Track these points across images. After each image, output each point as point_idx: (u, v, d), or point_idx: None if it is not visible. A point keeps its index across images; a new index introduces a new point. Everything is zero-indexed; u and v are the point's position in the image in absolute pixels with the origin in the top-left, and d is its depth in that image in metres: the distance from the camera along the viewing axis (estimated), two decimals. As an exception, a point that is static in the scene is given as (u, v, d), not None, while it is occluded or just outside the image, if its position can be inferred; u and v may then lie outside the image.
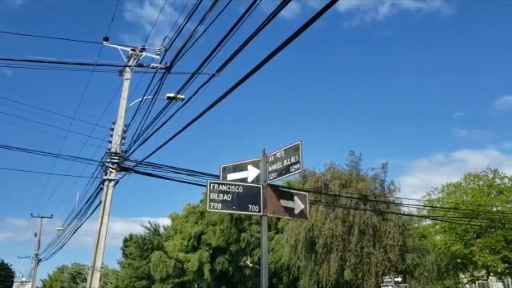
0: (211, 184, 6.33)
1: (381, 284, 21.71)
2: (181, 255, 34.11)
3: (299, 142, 6.41)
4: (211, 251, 33.12)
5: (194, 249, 33.87)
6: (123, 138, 15.68)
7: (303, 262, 24.22)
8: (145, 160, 13.80)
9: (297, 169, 6.43)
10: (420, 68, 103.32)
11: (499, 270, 27.34)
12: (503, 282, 40.74)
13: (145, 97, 13.86)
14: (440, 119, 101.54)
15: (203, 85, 8.89)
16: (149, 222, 50.59)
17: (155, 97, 13.05)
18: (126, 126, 15.93)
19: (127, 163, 14.89)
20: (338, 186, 23.67)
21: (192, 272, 33.94)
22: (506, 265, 26.58)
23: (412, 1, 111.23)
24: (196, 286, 38.02)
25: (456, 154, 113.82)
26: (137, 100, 15.58)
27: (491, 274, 30.30)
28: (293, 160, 6.43)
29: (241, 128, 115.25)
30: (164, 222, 67.56)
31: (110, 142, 15.69)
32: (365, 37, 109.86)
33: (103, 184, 15.09)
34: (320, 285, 24.62)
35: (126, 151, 15.06)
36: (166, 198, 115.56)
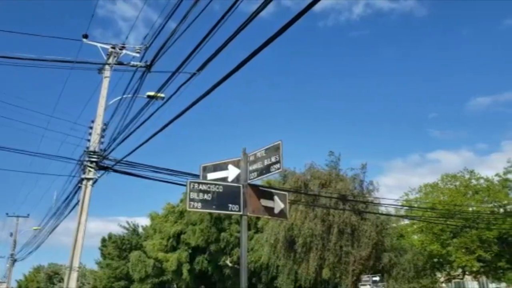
0: (191, 184, 6.31)
1: (359, 283, 21.96)
2: (160, 255, 33.88)
3: (280, 142, 6.44)
4: (190, 251, 32.98)
5: (174, 248, 33.68)
6: (102, 136, 15.53)
7: (282, 261, 24.33)
8: (124, 159, 13.69)
9: (278, 169, 6.45)
10: (395, 68, 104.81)
11: (474, 269, 27.90)
12: (478, 281, 41.59)
13: (124, 96, 13.75)
14: (415, 120, 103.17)
15: (183, 84, 8.88)
16: (127, 222, 50.29)
17: (135, 95, 12.96)
18: (105, 124, 15.77)
19: (106, 162, 14.75)
20: (318, 186, 23.84)
21: (171, 272, 33.76)
22: (481, 264, 27.13)
23: (386, 1, 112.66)
24: (175, 286, 37.81)
25: (431, 155, 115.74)
26: (116, 99, 15.45)
27: (467, 273, 30.90)
28: (273, 159, 6.46)
29: (222, 128, 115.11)
30: (143, 221, 67.15)
31: (89, 140, 15.53)
32: (340, 36, 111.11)
33: (81, 183, 14.92)
34: (298, 284, 24.78)
35: (105, 150, 14.91)
36: (145, 198, 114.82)
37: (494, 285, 41.73)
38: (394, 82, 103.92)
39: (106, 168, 14.77)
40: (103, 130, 15.66)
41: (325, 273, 22.33)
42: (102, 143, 15.41)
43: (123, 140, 13.26)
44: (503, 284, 32.83)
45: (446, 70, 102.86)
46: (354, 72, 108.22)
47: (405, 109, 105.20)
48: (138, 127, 12.10)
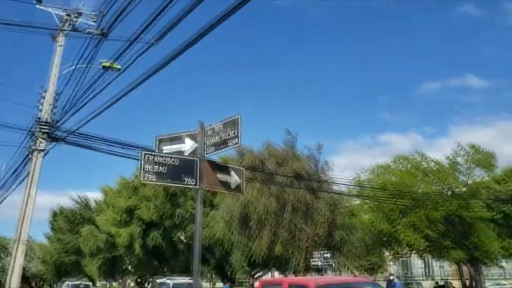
0: (146, 155, 6.16)
1: (310, 259, 22.54)
2: (113, 230, 33.37)
3: (238, 116, 6.35)
4: (143, 226, 32.67)
5: (126, 223, 33.24)
6: (55, 106, 14.95)
7: (236, 237, 24.55)
8: (77, 131, 13.28)
9: (235, 144, 6.39)
10: (351, 52, 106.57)
11: (420, 248, 29.14)
12: (423, 259, 43.58)
13: (78, 65, 13.23)
14: (366, 102, 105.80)
15: (141, 54, 8.63)
16: (79, 196, 49.22)
17: (90, 65, 12.51)
18: (58, 94, 15.18)
19: (58, 133, 14.24)
20: (275, 164, 24.03)
21: (123, 247, 33.38)
22: (427, 243, 28.35)
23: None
24: (127, 260, 37.51)
25: (382, 137, 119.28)
26: (70, 68, 14.84)
27: (413, 251, 32.28)
28: (231, 134, 6.37)
29: (179, 101, 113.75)
30: (95, 196, 65.82)
31: (41, 110, 14.90)
32: (298, 15, 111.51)
33: (31, 154, 14.37)
34: (251, 259, 25.15)
35: (57, 121, 14.37)
36: (97, 171, 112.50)
37: (438, 263, 43.88)
38: (348, 64, 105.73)
39: (57, 139, 14.28)
40: (56, 100, 15.08)
41: (278, 249, 22.73)
42: (54, 113, 14.84)
43: (76, 111, 12.85)
44: (446, 262, 34.53)
45: (398, 56, 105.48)
46: (311, 54, 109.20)
47: (357, 91, 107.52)
48: (92, 98, 11.75)
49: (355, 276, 24.59)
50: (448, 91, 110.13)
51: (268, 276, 33.52)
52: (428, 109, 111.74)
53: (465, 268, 29.57)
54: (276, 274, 31.90)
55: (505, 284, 40.90)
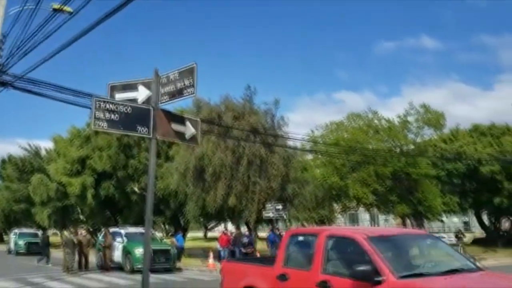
0: (97, 102, 5.95)
1: (263, 210, 23.09)
2: (64, 179, 32.68)
3: (194, 64, 6.19)
4: (96, 176, 32.18)
5: (78, 173, 32.61)
6: (1, 49, 14.14)
7: (191, 189, 24.69)
8: (26, 76, 12.67)
9: (191, 93, 6.28)
10: (310, 8, 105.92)
11: (368, 202, 30.41)
12: (370, 213, 45.53)
13: (26, 6, 12.46)
14: (323, 60, 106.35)
15: (93, -4, 8.21)
16: (29, 144, 47.88)
17: (38, 6, 11.82)
18: (4, 36, 14.34)
19: (5, 78, 13.55)
20: (232, 118, 23.99)
21: (74, 196, 32.90)
22: (375, 197, 29.59)
23: None
24: (79, 210, 37.11)
25: (337, 95, 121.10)
26: (17, 8, 13.96)
27: (361, 205, 33.65)
28: (187, 83, 6.23)
29: (133, 49, 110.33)
30: (46, 145, 64.10)
31: (-15, 52, 14.06)
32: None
33: (-26, 98, 13.68)
34: (205, 211, 25.50)
35: (3, 65, 13.64)
36: (48, 120, 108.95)
37: (383, 216, 46.05)
38: (306, 21, 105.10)
39: (4, 84, 13.59)
40: (2, 42, 14.24)
41: (232, 201, 23.09)
42: (0, 56, 14.06)
43: (24, 55, 12.22)
44: (392, 216, 36.26)
45: (357, 14, 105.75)
46: (270, 11, 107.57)
47: (314, 49, 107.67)
48: (42, 41, 11.18)
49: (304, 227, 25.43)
50: (403, 51, 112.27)
51: (221, 228, 34.17)
52: (383, 68, 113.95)
53: (408, 222, 31.19)
54: (229, 226, 32.54)
55: (444, 237, 43.59)
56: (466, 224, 54.44)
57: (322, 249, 6.18)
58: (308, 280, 6.07)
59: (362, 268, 5.21)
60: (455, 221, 51.86)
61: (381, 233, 6.53)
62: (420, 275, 5.31)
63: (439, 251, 6.53)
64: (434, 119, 29.59)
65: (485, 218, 39.21)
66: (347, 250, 6.22)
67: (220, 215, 28.88)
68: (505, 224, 38.49)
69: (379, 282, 5.14)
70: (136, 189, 31.93)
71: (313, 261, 6.21)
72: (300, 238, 7.38)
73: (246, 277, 7.29)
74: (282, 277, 6.54)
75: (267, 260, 7.98)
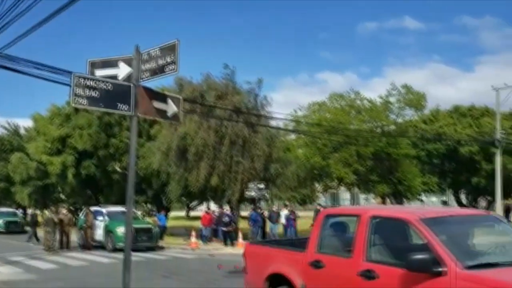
0: (77, 78, 5.81)
1: (245, 190, 23.18)
2: (44, 158, 32.23)
3: (176, 41, 6.09)
4: (77, 155, 31.82)
5: (59, 152, 32.18)
6: (-25, 24, 13.72)
7: (173, 169, 24.60)
8: (3, 52, 12.34)
9: (173, 70, 6.17)
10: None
11: (349, 182, 30.77)
12: (351, 192, 46.13)
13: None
14: (305, 40, 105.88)
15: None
16: (8, 122, 46.98)
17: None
18: (-21, 10, 13.90)
19: (-20, 54, 13.17)
20: (214, 98, 23.82)
21: (55, 176, 32.55)
22: (356, 177, 29.93)
23: None
24: (59, 189, 36.75)
25: (319, 75, 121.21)
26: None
27: (342, 185, 34.05)
28: (169, 60, 6.11)
29: (114, 25, 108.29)
30: (25, 123, 63.02)
31: (-41, 27, 13.63)
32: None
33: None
34: (188, 190, 25.50)
35: (-22, 40, 13.25)
36: (27, 98, 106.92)
37: (364, 195, 46.69)
38: (289, 1, 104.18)
39: (-21, 60, 13.24)
40: (-24, 16, 13.82)
41: (215, 181, 23.10)
42: (-26, 31, 13.65)
43: (0, 31, 11.88)
44: (372, 195, 36.78)
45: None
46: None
47: (297, 28, 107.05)
48: (17, 16, 10.87)
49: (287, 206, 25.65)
50: (385, 32, 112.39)
51: (204, 207, 34.25)
52: (365, 48, 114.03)
53: (388, 201, 31.69)
54: (212, 205, 32.62)
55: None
56: (444, 203, 55.54)
57: (365, 233, 5.29)
58: (348, 269, 5.28)
59: (419, 256, 4.36)
60: (433, 200, 52.87)
61: (436, 214, 5.57)
62: (489, 265, 4.47)
63: (506, 235, 5.50)
64: (415, 100, 29.91)
65: (463, 197, 40.05)
66: (396, 234, 5.45)
67: (202, 195, 28.91)
68: (482, 204, 39.41)
69: (439, 273, 4.33)
70: (117, 168, 31.72)
71: (354, 246, 5.35)
72: (338, 219, 6.42)
73: (273, 263, 6.45)
74: (316, 264, 5.71)
75: (297, 244, 6.83)
